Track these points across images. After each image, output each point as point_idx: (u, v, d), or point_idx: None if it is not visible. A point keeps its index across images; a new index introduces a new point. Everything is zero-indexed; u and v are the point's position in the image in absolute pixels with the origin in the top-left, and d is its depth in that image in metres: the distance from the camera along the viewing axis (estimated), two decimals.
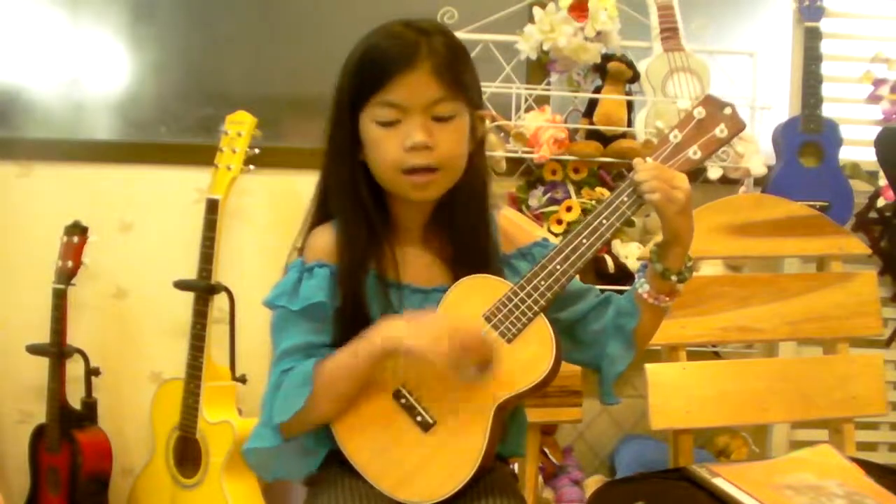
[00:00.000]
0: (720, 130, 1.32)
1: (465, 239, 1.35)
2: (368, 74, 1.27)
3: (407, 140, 1.27)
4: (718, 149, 1.34)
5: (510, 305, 1.28)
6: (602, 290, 1.44)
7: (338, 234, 1.33)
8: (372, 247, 1.32)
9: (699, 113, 1.32)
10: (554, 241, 1.41)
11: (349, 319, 1.30)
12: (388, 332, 1.25)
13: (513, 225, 1.49)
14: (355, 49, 1.30)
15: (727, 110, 1.33)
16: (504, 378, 1.28)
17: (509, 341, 1.28)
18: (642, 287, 1.35)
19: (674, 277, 1.33)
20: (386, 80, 1.25)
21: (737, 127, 1.33)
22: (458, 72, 1.29)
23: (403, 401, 1.29)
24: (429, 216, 1.37)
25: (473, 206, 1.36)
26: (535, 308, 1.28)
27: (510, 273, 1.38)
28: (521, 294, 1.29)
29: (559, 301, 1.33)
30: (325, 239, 1.34)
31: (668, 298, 1.35)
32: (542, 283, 1.29)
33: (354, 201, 1.32)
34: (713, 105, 1.33)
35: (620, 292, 1.41)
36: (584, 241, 1.30)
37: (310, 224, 1.38)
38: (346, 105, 1.30)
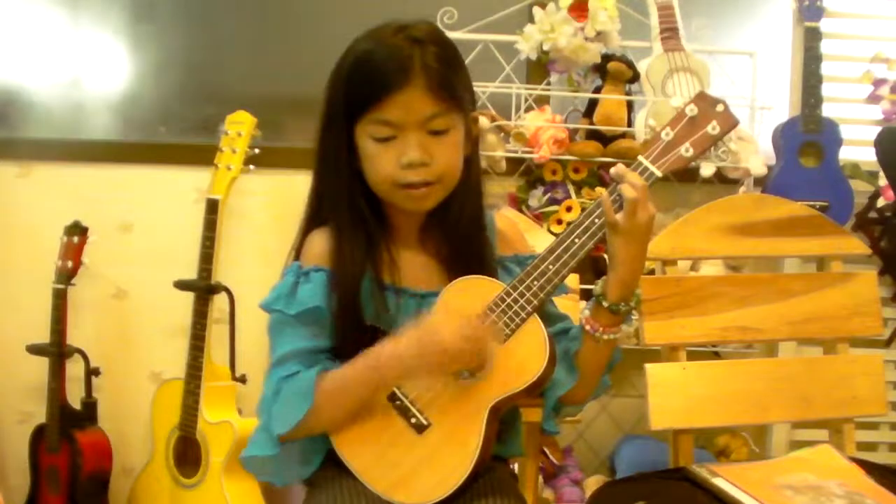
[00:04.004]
0: (712, 127, 1.31)
1: (461, 239, 1.35)
2: (362, 90, 1.26)
3: (403, 158, 1.27)
4: (711, 146, 1.33)
5: (503, 306, 1.28)
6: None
7: (334, 240, 1.32)
8: (368, 252, 1.32)
9: (691, 110, 1.32)
10: None
11: (345, 324, 1.30)
12: (394, 359, 1.25)
13: (514, 231, 1.49)
14: (347, 55, 1.29)
15: (719, 107, 1.32)
16: (498, 379, 1.27)
17: (503, 341, 1.28)
18: (583, 313, 1.34)
19: (605, 303, 1.31)
20: (380, 97, 1.25)
21: (729, 124, 1.32)
22: (451, 85, 1.28)
23: (398, 403, 1.29)
24: (425, 218, 1.37)
25: (469, 205, 1.37)
26: (529, 308, 1.28)
27: (504, 275, 1.38)
28: (514, 294, 1.28)
29: None
30: (321, 243, 1.33)
31: (602, 329, 1.32)
32: (535, 283, 1.28)
33: (351, 208, 1.32)
34: (705, 102, 1.32)
35: None
36: (577, 240, 1.29)
37: (305, 228, 1.38)
38: (340, 114, 1.29)
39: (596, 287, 1.33)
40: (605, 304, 1.31)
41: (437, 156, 1.28)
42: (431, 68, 1.26)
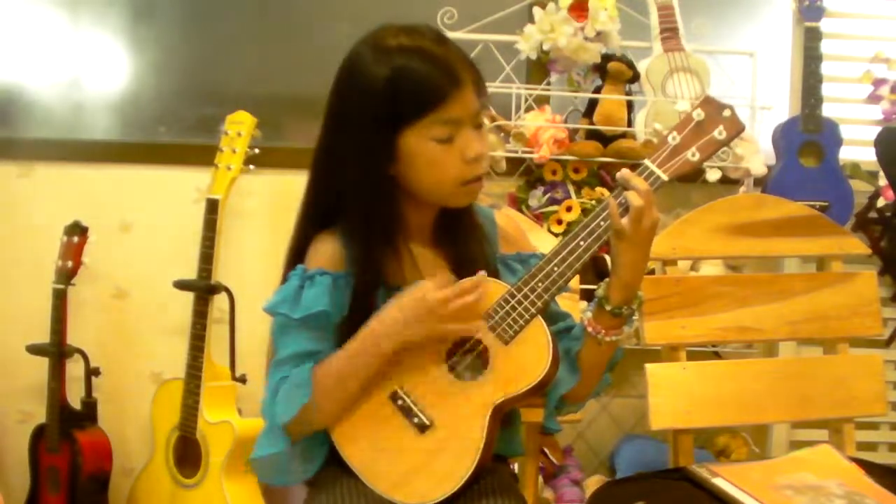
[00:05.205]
0: (719, 132, 1.31)
1: (468, 239, 1.36)
2: (419, 94, 1.25)
3: (468, 152, 1.27)
4: (717, 151, 1.32)
5: (507, 307, 1.28)
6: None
7: (353, 248, 1.31)
8: (387, 258, 1.32)
9: (698, 115, 1.31)
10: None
11: (355, 329, 1.29)
12: (388, 331, 1.26)
13: (515, 228, 1.49)
14: (373, 69, 1.26)
15: (726, 112, 1.31)
16: (501, 380, 1.28)
17: (506, 343, 1.28)
18: (585, 314, 1.34)
19: (608, 307, 1.31)
20: (442, 98, 1.24)
21: (736, 129, 1.31)
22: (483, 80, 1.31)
23: (400, 402, 1.29)
24: (436, 216, 1.37)
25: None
26: (533, 310, 1.28)
27: (507, 273, 1.38)
28: (519, 296, 1.28)
29: None
30: (328, 247, 1.33)
31: (605, 332, 1.32)
32: (540, 284, 1.28)
33: (379, 217, 1.30)
34: (712, 107, 1.32)
35: None
36: (581, 242, 1.29)
37: (303, 231, 1.36)
38: (379, 125, 1.26)
39: (598, 290, 1.33)
40: (607, 307, 1.31)
41: (486, 148, 1.31)
42: (471, 65, 1.28)
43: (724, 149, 2.34)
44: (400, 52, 1.26)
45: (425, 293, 1.25)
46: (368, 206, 1.30)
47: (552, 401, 1.38)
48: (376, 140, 1.27)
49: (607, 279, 1.33)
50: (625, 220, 1.26)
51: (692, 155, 1.30)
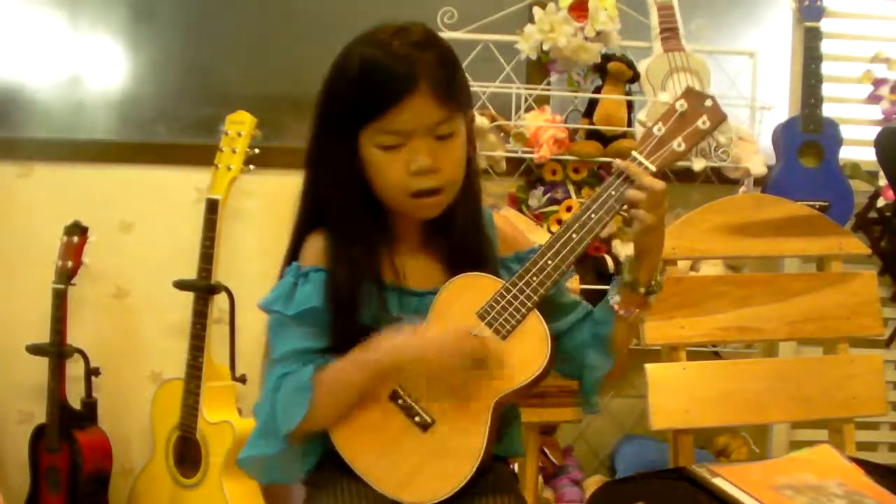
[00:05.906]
0: (702, 122, 1.32)
1: (463, 239, 1.35)
2: (368, 99, 1.24)
3: (412, 165, 1.26)
4: (701, 140, 1.34)
5: (503, 302, 1.28)
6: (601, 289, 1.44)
7: (332, 245, 1.31)
8: (369, 255, 1.31)
9: (681, 105, 1.32)
10: None
11: (341, 326, 1.29)
12: (393, 349, 1.26)
13: (512, 228, 1.49)
14: (349, 59, 1.27)
15: (708, 102, 1.33)
16: (500, 375, 1.28)
17: (504, 338, 1.28)
18: (613, 299, 1.34)
19: (642, 289, 1.32)
20: (388, 106, 1.23)
21: (718, 118, 1.33)
22: (454, 89, 1.27)
23: (401, 402, 1.29)
24: (426, 220, 1.37)
25: (470, 205, 1.36)
26: (529, 304, 1.28)
27: (506, 275, 1.37)
28: (514, 290, 1.28)
29: (549, 311, 1.32)
30: (319, 244, 1.33)
31: (637, 310, 1.34)
32: (534, 278, 1.29)
33: (353, 213, 1.30)
34: (694, 97, 1.33)
35: None
36: (574, 235, 1.29)
37: (300, 230, 1.37)
38: (344, 121, 1.27)
39: (624, 276, 1.33)
40: (641, 289, 1.32)
41: (445, 161, 1.28)
42: (436, 74, 1.25)
43: (724, 148, 2.36)
44: (364, 43, 1.26)
45: (450, 333, 1.25)
46: (345, 205, 1.30)
47: (587, 385, 1.39)
48: (340, 139, 1.27)
49: (628, 256, 1.34)
50: (634, 213, 1.27)
51: (678, 145, 1.31)
